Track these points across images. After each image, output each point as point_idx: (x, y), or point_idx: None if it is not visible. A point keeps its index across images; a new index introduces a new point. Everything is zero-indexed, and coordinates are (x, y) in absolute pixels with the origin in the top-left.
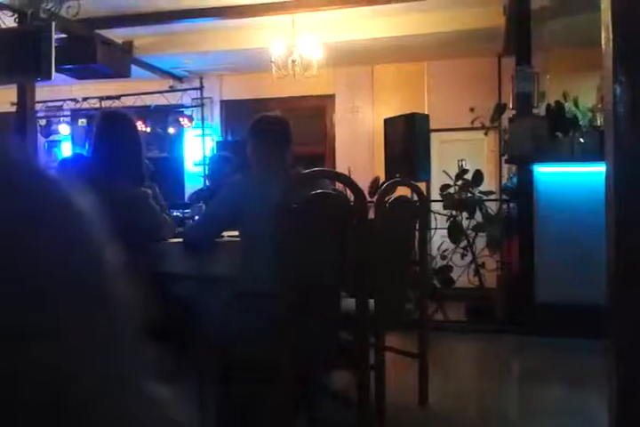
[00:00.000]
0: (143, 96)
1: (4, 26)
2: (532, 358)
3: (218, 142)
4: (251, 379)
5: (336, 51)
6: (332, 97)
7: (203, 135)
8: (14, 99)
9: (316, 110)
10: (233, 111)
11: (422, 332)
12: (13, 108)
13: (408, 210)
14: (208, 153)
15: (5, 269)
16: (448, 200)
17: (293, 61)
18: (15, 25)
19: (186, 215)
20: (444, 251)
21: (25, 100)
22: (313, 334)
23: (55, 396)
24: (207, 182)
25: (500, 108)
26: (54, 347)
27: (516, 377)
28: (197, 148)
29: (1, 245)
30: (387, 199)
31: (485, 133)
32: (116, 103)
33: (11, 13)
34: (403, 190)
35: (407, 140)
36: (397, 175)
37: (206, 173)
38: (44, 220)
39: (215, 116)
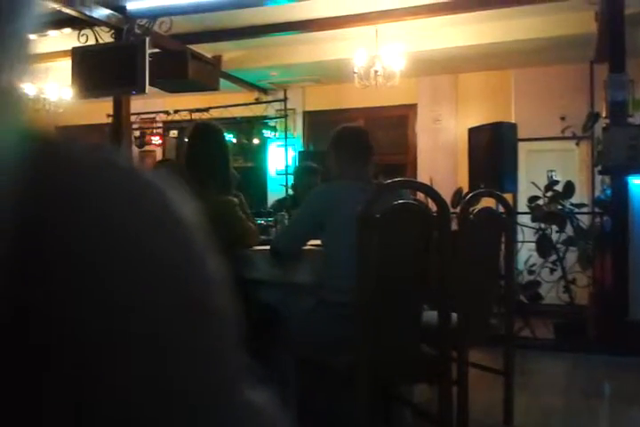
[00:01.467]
0: (230, 108)
1: (101, 42)
2: (624, 378)
3: (300, 152)
4: (331, 387)
5: (419, 60)
6: (414, 106)
7: (285, 145)
8: (110, 111)
9: (398, 120)
10: (315, 122)
11: (508, 348)
12: (109, 120)
13: (493, 222)
14: (290, 163)
15: (121, 277)
16: (536, 212)
17: (376, 71)
18: (112, 41)
19: (269, 223)
20: (532, 265)
21: (120, 112)
22: (393, 345)
23: (157, 407)
24: (291, 191)
25: (593, 117)
26: (157, 357)
27: (605, 398)
28: (280, 158)
29: (118, 253)
30: (471, 210)
31: (577, 143)
32: (205, 115)
33: (108, 30)
34: (487, 202)
35: (493, 150)
36: (482, 186)
37: (291, 182)
38: (160, 232)
39: (298, 126)
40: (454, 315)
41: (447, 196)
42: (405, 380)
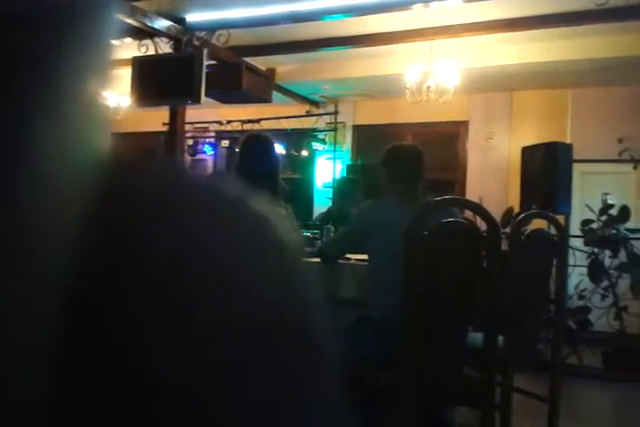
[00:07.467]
0: (281, 120)
1: (161, 52)
2: None
3: (347, 166)
4: (372, 404)
5: (473, 76)
6: (465, 123)
7: (334, 158)
8: (166, 119)
9: (449, 136)
10: (364, 136)
11: (554, 375)
12: (165, 128)
13: (545, 244)
14: (337, 176)
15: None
16: (590, 236)
17: (428, 87)
18: (171, 51)
19: (315, 236)
20: (582, 290)
21: (176, 121)
22: (435, 365)
23: None
24: (333, 203)
25: None
26: (258, 388)
27: None
28: (328, 170)
29: (206, 276)
30: (522, 231)
31: (635, 167)
32: (257, 126)
33: (167, 40)
34: (539, 223)
35: (546, 171)
36: (534, 207)
37: (333, 194)
38: (256, 251)
39: (347, 140)
40: (500, 338)
41: (497, 215)
42: (446, 401)
